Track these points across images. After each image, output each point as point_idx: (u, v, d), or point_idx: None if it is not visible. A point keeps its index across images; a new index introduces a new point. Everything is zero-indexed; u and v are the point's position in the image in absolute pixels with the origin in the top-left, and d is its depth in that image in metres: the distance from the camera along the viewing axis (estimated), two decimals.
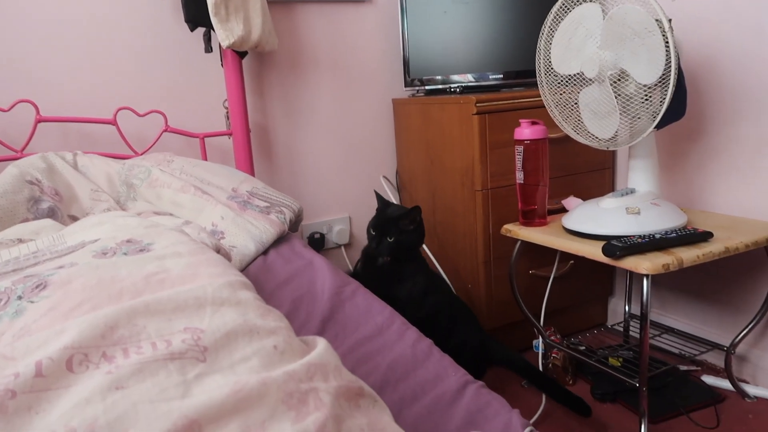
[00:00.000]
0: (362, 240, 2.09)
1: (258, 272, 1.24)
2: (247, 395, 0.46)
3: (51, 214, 1.22)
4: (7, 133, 1.53)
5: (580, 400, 1.41)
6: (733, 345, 1.54)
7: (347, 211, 2.04)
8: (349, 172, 2.03)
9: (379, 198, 1.54)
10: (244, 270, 1.24)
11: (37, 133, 1.53)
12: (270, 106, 1.87)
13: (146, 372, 0.48)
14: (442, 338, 1.40)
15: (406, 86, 1.89)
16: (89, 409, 0.44)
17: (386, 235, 1.43)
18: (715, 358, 1.66)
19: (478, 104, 1.62)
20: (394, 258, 1.45)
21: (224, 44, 1.56)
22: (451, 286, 1.79)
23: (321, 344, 0.58)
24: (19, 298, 0.58)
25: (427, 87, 1.87)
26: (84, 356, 0.49)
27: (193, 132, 1.70)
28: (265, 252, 1.31)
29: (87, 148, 1.59)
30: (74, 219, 1.28)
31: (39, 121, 1.51)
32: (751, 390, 1.53)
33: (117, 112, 1.57)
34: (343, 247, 2.04)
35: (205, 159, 1.71)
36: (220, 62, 1.71)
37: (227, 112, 1.72)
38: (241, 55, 1.67)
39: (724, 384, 1.56)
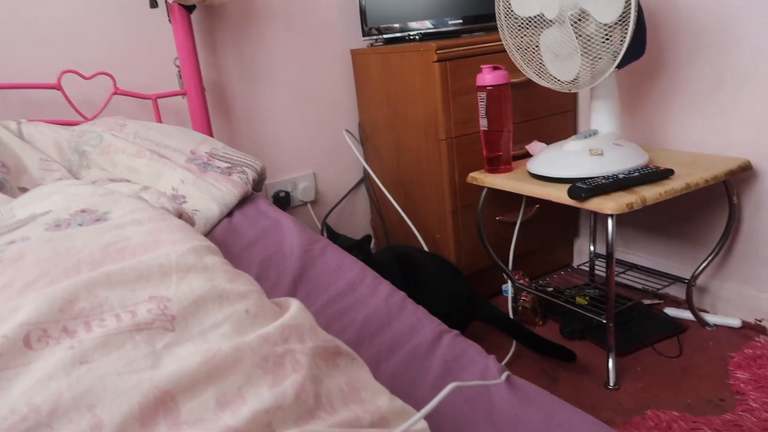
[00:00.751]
0: (328, 196, 2.06)
1: (224, 235, 1.21)
2: (220, 362, 0.45)
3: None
4: None
5: (564, 348, 1.45)
6: (694, 277, 1.59)
7: (311, 168, 2.01)
8: (311, 128, 1.98)
9: (329, 230, 1.61)
10: (209, 233, 1.21)
11: None
12: (224, 62, 1.80)
13: (111, 345, 0.46)
14: (428, 298, 1.43)
15: (364, 36, 1.83)
16: (53, 385, 0.42)
17: None
18: (678, 291, 1.72)
19: (438, 51, 1.59)
20: None
21: None
22: (423, 246, 1.80)
23: (294, 305, 0.57)
24: None
25: (385, 36, 1.82)
26: (43, 332, 0.46)
27: (145, 93, 1.62)
28: (229, 214, 1.28)
29: (32, 115, 1.50)
30: (25, 191, 1.21)
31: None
32: (710, 319, 1.59)
33: (61, 76, 1.48)
34: (309, 204, 2.02)
35: (160, 121, 1.64)
36: (168, 18, 1.62)
37: (179, 71, 1.65)
38: (189, 9, 1.58)
39: (686, 315, 1.62)
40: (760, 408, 1.24)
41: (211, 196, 1.24)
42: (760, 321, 1.54)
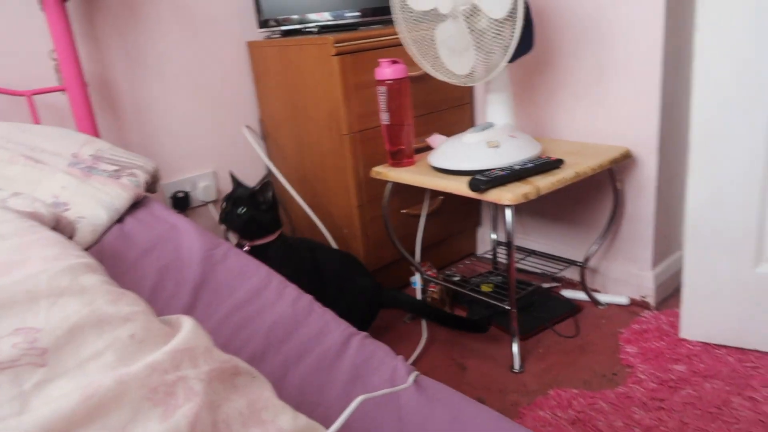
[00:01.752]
0: None
1: (115, 242, 1.12)
2: (101, 399, 0.41)
3: None
4: None
5: (473, 321, 1.50)
6: (586, 260, 1.69)
7: (211, 166, 1.92)
8: (209, 125, 1.89)
9: (234, 179, 1.51)
10: (98, 242, 1.12)
11: None
12: (108, 54, 1.67)
13: None
14: (336, 293, 1.42)
15: (260, 27, 1.77)
16: None
17: (237, 207, 1.41)
18: (573, 274, 1.83)
19: (336, 44, 1.57)
20: (248, 237, 1.45)
21: None
22: (331, 242, 1.78)
23: (186, 325, 0.53)
24: None
25: (282, 27, 1.77)
26: None
27: (18, 90, 1.47)
28: (120, 220, 1.19)
29: None
30: None
31: None
32: (602, 298, 1.70)
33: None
34: (210, 205, 1.93)
35: (37, 122, 1.50)
36: (39, 6, 1.47)
37: (56, 65, 1.51)
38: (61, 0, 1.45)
39: (581, 296, 1.72)
40: (647, 379, 1.34)
41: (97, 201, 1.15)
42: (644, 297, 1.67)
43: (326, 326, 0.81)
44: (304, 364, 0.76)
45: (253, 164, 2.00)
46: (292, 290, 0.98)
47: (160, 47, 1.75)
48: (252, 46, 1.89)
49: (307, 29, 1.75)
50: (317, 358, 0.76)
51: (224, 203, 1.45)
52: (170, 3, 1.75)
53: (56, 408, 0.39)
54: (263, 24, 1.77)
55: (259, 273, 1.02)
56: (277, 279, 1.01)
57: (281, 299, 0.94)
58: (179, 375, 0.45)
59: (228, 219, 1.43)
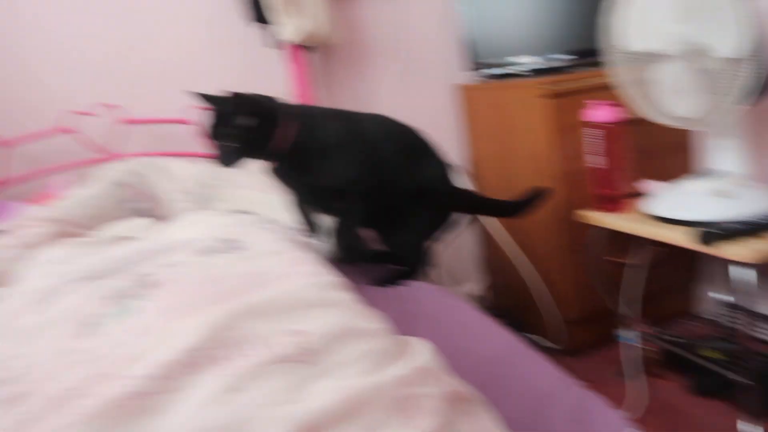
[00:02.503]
0: None
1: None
2: (358, 400, 0.47)
3: (139, 214, 1.28)
4: (98, 136, 1.61)
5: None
6: None
7: None
8: None
9: (201, 97, 1.03)
10: None
11: (122, 135, 1.61)
12: (332, 98, 1.88)
13: (260, 374, 0.49)
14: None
15: (470, 70, 1.86)
16: (207, 412, 0.46)
17: (224, 141, 1.00)
18: None
19: (547, 87, 1.58)
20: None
21: (288, 39, 1.58)
22: (535, 282, 1.75)
23: (425, 347, 0.58)
24: (132, 296, 0.61)
25: (492, 71, 1.83)
26: (201, 358, 0.51)
27: None
28: None
29: (167, 147, 1.65)
30: (162, 220, 1.33)
31: (122, 122, 1.59)
32: None
33: (187, 112, 1.61)
34: None
35: None
36: (283, 57, 1.72)
37: None
38: (304, 49, 1.69)
39: None
40: None
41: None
42: None
43: (543, 369, 0.81)
44: (519, 405, 0.75)
45: None
46: (502, 329, 0.98)
47: (377, 90, 1.93)
48: (462, 89, 1.98)
49: (517, 72, 1.79)
50: (533, 400, 0.75)
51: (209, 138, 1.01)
52: (391, 50, 1.92)
53: (324, 402, 0.46)
54: (473, 67, 1.85)
55: (467, 307, 1.05)
56: (485, 316, 1.02)
57: (492, 335, 0.95)
58: (423, 391, 0.50)
59: (222, 158, 0.99)
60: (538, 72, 1.78)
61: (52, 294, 0.68)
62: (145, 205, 1.32)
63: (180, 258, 0.70)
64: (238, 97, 0.97)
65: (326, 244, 1.13)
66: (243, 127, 0.96)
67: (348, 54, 1.87)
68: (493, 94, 1.81)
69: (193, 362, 0.50)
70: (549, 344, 1.78)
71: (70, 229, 1.19)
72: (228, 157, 0.98)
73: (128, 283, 0.63)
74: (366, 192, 1.07)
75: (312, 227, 1.14)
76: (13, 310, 0.69)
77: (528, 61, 1.79)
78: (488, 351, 0.88)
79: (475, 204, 1.43)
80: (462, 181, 1.46)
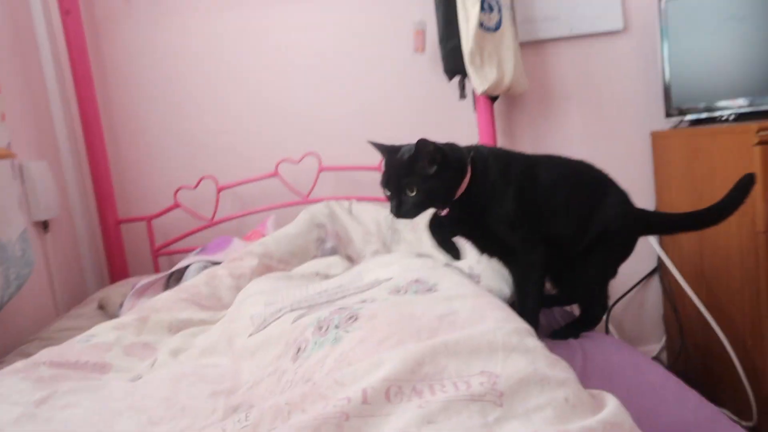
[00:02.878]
0: (613, 285, 1.95)
1: None
2: None
3: (333, 252, 1.41)
4: (297, 181, 1.81)
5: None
6: None
7: None
8: None
9: (378, 147, 1.07)
10: None
11: (318, 180, 1.79)
12: (516, 145, 1.90)
13: (452, 410, 0.51)
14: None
15: (666, 116, 1.75)
16: None
17: (403, 191, 0.98)
18: None
19: (760, 133, 1.42)
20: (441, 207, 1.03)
21: (478, 90, 1.63)
22: (728, 350, 1.57)
23: (612, 401, 0.56)
24: (336, 327, 0.68)
25: (691, 116, 1.71)
26: (398, 388, 0.55)
27: None
28: None
29: (358, 192, 1.79)
30: (350, 258, 1.45)
31: (321, 170, 1.77)
32: None
33: (375, 159, 1.73)
34: None
35: None
36: (473, 107, 1.79)
37: None
38: (493, 99, 1.73)
39: None
40: None
41: (502, 278, 1.30)
42: None
43: None
44: None
45: (642, 254, 1.94)
46: (693, 395, 0.90)
47: (565, 138, 1.90)
48: (656, 136, 1.87)
49: (721, 117, 1.65)
50: None
51: (385, 190, 1.01)
52: (581, 97, 1.89)
53: None
54: (670, 113, 1.74)
55: (657, 370, 0.97)
56: (673, 380, 0.95)
57: (679, 401, 0.88)
58: None
59: (399, 210, 0.97)
60: (743, 116, 1.62)
61: (265, 320, 0.78)
62: (336, 244, 1.45)
63: (377, 295, 0.76)
64: (422, 144, 0.94)
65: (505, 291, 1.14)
66: (425, 175, 0.94)
67: (535, 100, 1.89)
68: (691, 141, 1.69)
69: (392, 392, 0.54)
70: (734, 419, 1.55)
71: (274, 264, 1.35)
72: (406, 208, 0.95)
73: (332, 315, 0.70)
74: (542, 237, 1.04)
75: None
76: (235, 333, 0.80)
77: (732, 105, 1.64)
78: (677, 416, 0.81)
79: (667, 223, 1.32)
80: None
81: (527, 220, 1.01)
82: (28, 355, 1.22)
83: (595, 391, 0.59)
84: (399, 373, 0.56)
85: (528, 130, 1.89)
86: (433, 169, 0.96)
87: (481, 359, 0.58)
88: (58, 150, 1.75)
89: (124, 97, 1.87)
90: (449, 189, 0.98)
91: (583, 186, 1.12)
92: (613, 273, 1.17)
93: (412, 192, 0.95)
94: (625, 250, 1.17)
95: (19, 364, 0.83)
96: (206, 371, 0.75)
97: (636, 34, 1.87)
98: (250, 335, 0.77)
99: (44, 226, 1.62)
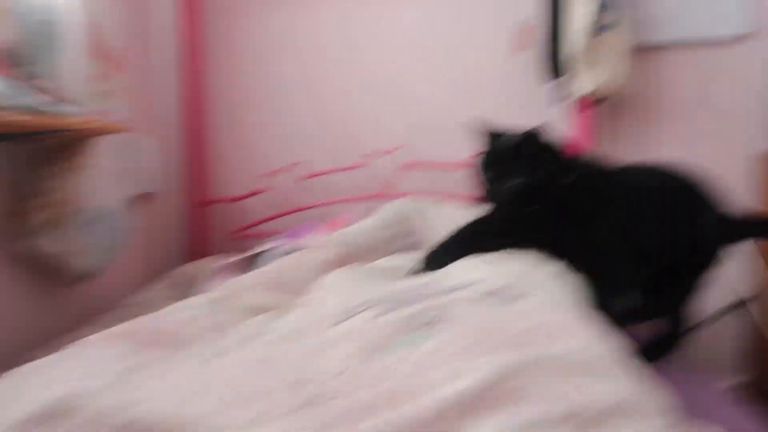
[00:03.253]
0: None
1: None
2: None
3: (414, 248, 1.38)
4: (384, 173, 1.80)
5: None
6: None
7: None
8: None
9: (480, 129, 1.02)
10: None
11: (405, 175, 1.76)
12: (614, 153, 1.78)
13: (543, 428, 0.48)
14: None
15: None
16: None
17: (505, 176, 0.93)
18: None
19: None
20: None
21: (584, 92, 1.55)
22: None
23: None
24: (421, 327, 0.65)
25: None
26: (481, 401, 0.51)
27: None
28: None
29: (445, 189, 1.75)
30: None
31: (409, 165, 1.75)
32: None
33: (461, 158, 1.67)
34: None
35: None
36: (569, 113, 1.69)
37: None
38: (596, 102, 1.64)
39: None
40: None
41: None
42: None
43: None
44: None
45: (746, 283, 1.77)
46: None
47: (666, 149, 1.76)
48: (762, 158, 1.70)
49: None
50: None
51: (483, 173, 0.98)
52: (690, 108, 1.75)
53: None
54: None
55: (736, 401, 0.87)
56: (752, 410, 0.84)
57: None
58: None
59: (501, 192, 0.94)
60: None
61: (344, 314, 0.76)
62: (419, 240, 1.42)
63: (464, 298, 0.72)
64: (536, 132, 0.91)
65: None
66: (532, 164, 0.90)
67: (639, 107, 1.77)
68: None
69: (476, 403, 0.51)
70: None
71: (354, 255, 1.34)
72: (505, 194, 0.91)
73: (417, 315, 0.67)
74: (632, 252, 0.96)
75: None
76: (314, 323, 0.79)
77: None
78: None
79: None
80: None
81: (619, 231, 0.95)
82: (116, 319, 1.29)
83: (693, 423, 0.53)
84: (484, 384, 0.52)
85: (630, 138, 1.77)
86: (541, 160, 0.92)
87: (571, 380, 0.53)
88: (165, 128, 1.84)
89: (225, 83, 1.93)
90: (550, 184, 0.93)
91: (676, 196, 1.05)
92: (701, 286, 1.08)
93: (515, 178, 0.91)
94: (715, 262, 1.08)
95: (102, 333, 0.85)
96: (285, 357, 0.74)
97: (764, 40, 1.70)
98: (332, 326, 0.75)
99: (145, 198, 1.70)
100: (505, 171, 0.92)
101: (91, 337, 0.84)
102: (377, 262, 1.27)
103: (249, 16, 1.91)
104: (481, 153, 0.98)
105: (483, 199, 0.98)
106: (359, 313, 0.75)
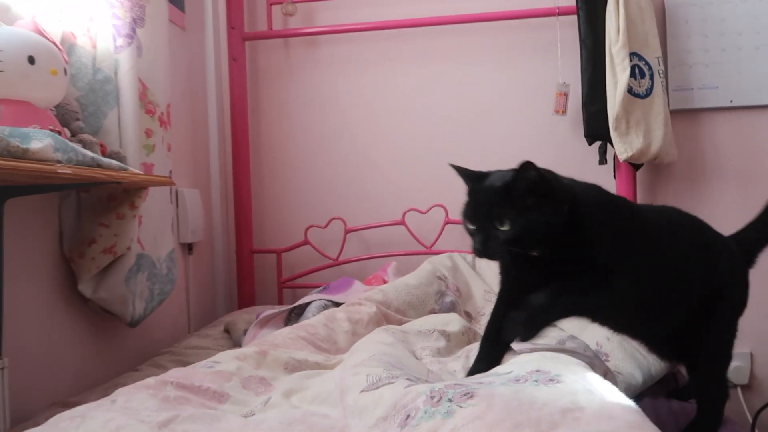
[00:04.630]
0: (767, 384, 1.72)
1: None
2: None
3: (452, 307, 1.38)
4: (422, 230, 1.82)
5: None
6: None
7: (748, 346, 1.73)
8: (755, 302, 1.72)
9: (461, 171, 0.93)
10: None
11: (443, 232, 1.78)
12: None
13: None
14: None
15: None
16: None
17: (493, 223, 0.81)
18: None
19: None
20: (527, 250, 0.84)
21: (622, 157, 1.55)
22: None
23: None
24: (450, 400, 0.65)
25: None
26: None
27: None
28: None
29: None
30: (468, 315, 1.41)
31: (447, 222, 1.76)
32: None
33: None
34: (739, 389, 1.72)
35: None
36: (613, 174, 1.69)
37: None
38: (636, 167, 1.63)
39: None
40: None
41: (635, 361, 1.18)
42: None
43: None
44: None
45: None
46: None
47: (716, 214, 1.72)
48: None
49: None
50: None
51: (469, 224, 0.88)
52: (738, 172, 1.72)
53: None
54: None
55: None
56: None
57: None
58: None
59: (485, 248, 0.83)
60: None
61: (380, 380, 0.77)
62: (456, 299, 1.42)
63: (495, 378, 0.72)
64: (525, 168, 0.77)
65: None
66: (523, 207, 0.77)
67: (683, 171, 1.75)
68: None
69: None
70: None
71: (392, 313, 1.34)
72: (494, 246, 0.80)
73: (446, 388, 0.67)
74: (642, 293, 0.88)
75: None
76: (348, 386, 0.80)
77: None
78: None
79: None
80: None
81: (633, 269, 0.87)
82: (160, 366, 1.33)
83: None
84: None
85: (672, 202, 1.75)
86: (533, 200, 0.79)
87: None
88: (209, 181, 1.92)
89: (270, 138, 2.01)
90: (549, 226, 0.79)
91: (694, 238, 1.04)
92: (734, 331, 1.06)
93: (505, 226, 0.78)
94: (742, 302, 1.09)
95: (151, 380, 0.88)
96: (315, 420, 0.75)
97: None
98: (362, 391, 0.76)
99: (189, 248, 1.76)
100: (491, 218, 0.80)
101: (136, 384, 0.87)
102: (415, 322, 1.27)
103: (293, 78, 1.98)
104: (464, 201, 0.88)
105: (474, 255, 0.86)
106: (392, 383, 0.75)
